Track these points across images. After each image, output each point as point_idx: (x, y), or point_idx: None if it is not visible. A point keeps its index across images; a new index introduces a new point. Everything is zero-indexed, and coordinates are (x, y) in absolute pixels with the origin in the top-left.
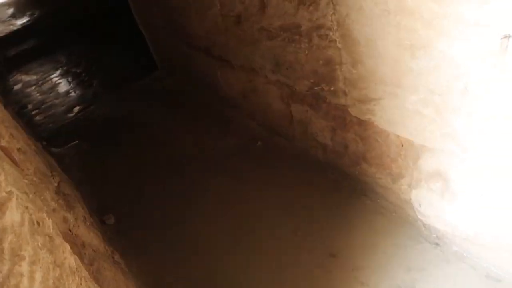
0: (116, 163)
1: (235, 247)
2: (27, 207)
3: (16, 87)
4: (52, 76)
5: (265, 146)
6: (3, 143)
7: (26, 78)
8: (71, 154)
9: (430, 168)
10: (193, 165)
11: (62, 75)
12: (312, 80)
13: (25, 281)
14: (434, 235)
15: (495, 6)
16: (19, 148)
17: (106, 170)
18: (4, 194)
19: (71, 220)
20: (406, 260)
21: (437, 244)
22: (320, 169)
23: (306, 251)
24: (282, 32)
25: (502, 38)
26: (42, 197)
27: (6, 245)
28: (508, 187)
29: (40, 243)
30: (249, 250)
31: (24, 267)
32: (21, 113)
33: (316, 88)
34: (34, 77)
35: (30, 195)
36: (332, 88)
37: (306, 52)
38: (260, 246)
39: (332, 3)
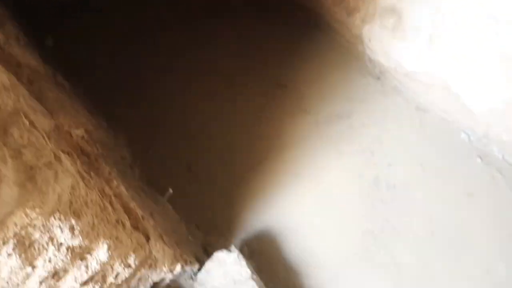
0: None
1: (186, 78)
2: None
3: None
4: None
5: None
6: None
7: None
8: None
9: (387, 3)
10: None
11: None
12: None
13: None
14: (378, 70)
15: None
16: None
17: None
18: None
19: (1, 37)
20: (348, 92)
21: (378, 78)
22: (276, 2)
23: (256, 82)
24: None
25: None
26: None
27: None
28: (460, 28)
29: None
30: (198, 85)
31: None
32: None
33: None
34: None
35: None
36: None
37: None
38: (210, 81)
39: None
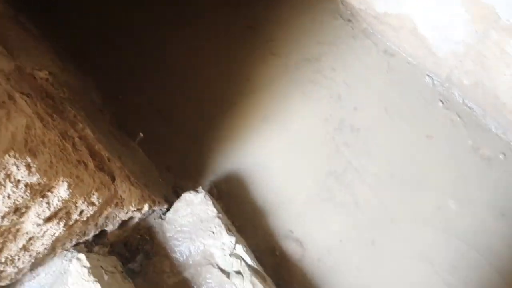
0: None
1: (158, 22)
2: None
3: None
4: None
5: None
6: None
7: None
8: None
9: None
10: None
11: None
12: None
13: None
14: (349, 12)
15: None
16: None
17: None
18: None
19: None
20: (318, 35)
21: (349, 20)
22: None
23: (224, 23)
24: None
25: None
26: None
27: None
28: None
29: None
30: (166, 29)
31: None
32: None
33: None
34: None
35: None
36: None
37: None
38: (178, 24)
39: None
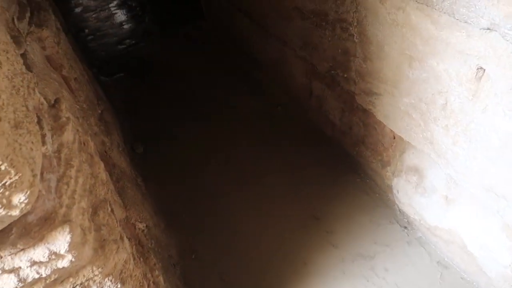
0: (155, 100)
1: (237, 196)
2: (78, 130)
3: (77, 10)
4: (110, 5)
5: (284, 112)
6: (64, 73)
7: (86, 2)
8: (116, 85)
9: (411, 163)
10: (219, 116)
11: (119, 6)
12: (331, 64)
13: (72, 182)
14: (405, 220)
15: (476, 41)
16: (76, 77)
17: (145, 104)
18: (64, 119)
19: (108, 144)
20: (375, 235)
21: (405, 227)
22: (326, 143)
23: (294, 210)
24: (312, 16)
25: (477, 69)
26: (88, 122)
27: (62, 156)
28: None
29: (84, 159)
30: (247, 201)
31: (73, 172)
32: (78, 36)
33: (333, 72)
34: (94, 2)
35: (80, 120)
36: (345, 75)
37: (329, 39)
38: (256, 198)
39: (355, 2)
